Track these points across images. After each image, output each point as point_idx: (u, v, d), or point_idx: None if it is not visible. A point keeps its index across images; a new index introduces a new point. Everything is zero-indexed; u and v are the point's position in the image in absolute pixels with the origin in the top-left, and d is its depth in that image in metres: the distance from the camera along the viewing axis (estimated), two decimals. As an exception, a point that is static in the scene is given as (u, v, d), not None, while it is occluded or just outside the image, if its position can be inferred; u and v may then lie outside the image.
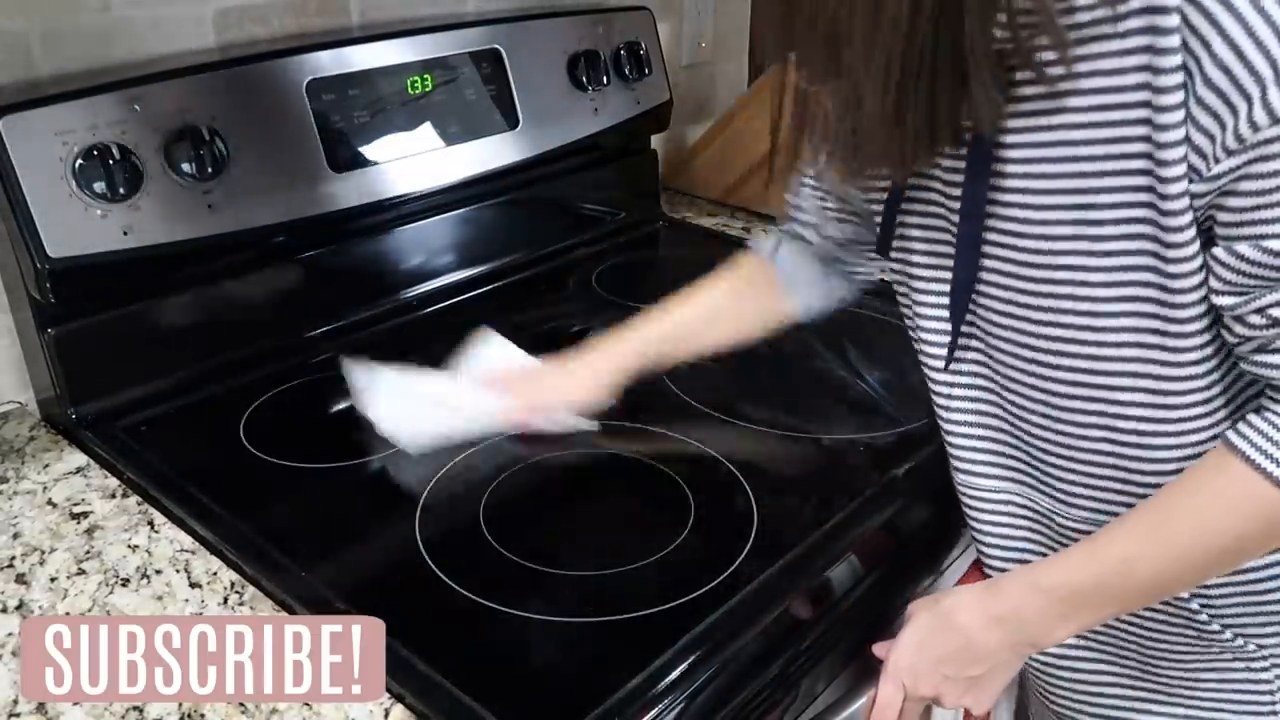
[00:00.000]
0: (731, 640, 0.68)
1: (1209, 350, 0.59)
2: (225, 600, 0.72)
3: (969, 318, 0.67)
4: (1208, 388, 0.61)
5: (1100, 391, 0.62)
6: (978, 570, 0.80)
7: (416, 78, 1.08)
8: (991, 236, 0.62)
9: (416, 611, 0.71)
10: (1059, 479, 0.68)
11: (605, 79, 1.25)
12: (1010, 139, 0.59)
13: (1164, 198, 0.54)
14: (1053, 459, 0.68)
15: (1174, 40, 0.51)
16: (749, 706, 0.69)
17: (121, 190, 0.86)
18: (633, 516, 0.83)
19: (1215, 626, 0.67)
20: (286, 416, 0.96)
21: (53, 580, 0.74)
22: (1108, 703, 0.75)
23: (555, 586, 0.73)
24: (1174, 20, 0.51)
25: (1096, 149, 0.56)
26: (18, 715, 0.63)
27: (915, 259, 0.70)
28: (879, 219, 0.72)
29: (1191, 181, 0.53)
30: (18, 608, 0.71)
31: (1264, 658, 0.68)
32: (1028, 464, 0.70)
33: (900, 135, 0.57)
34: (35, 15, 0.89)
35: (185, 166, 0.90)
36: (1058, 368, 0.63)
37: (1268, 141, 0.51)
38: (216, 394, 0.98)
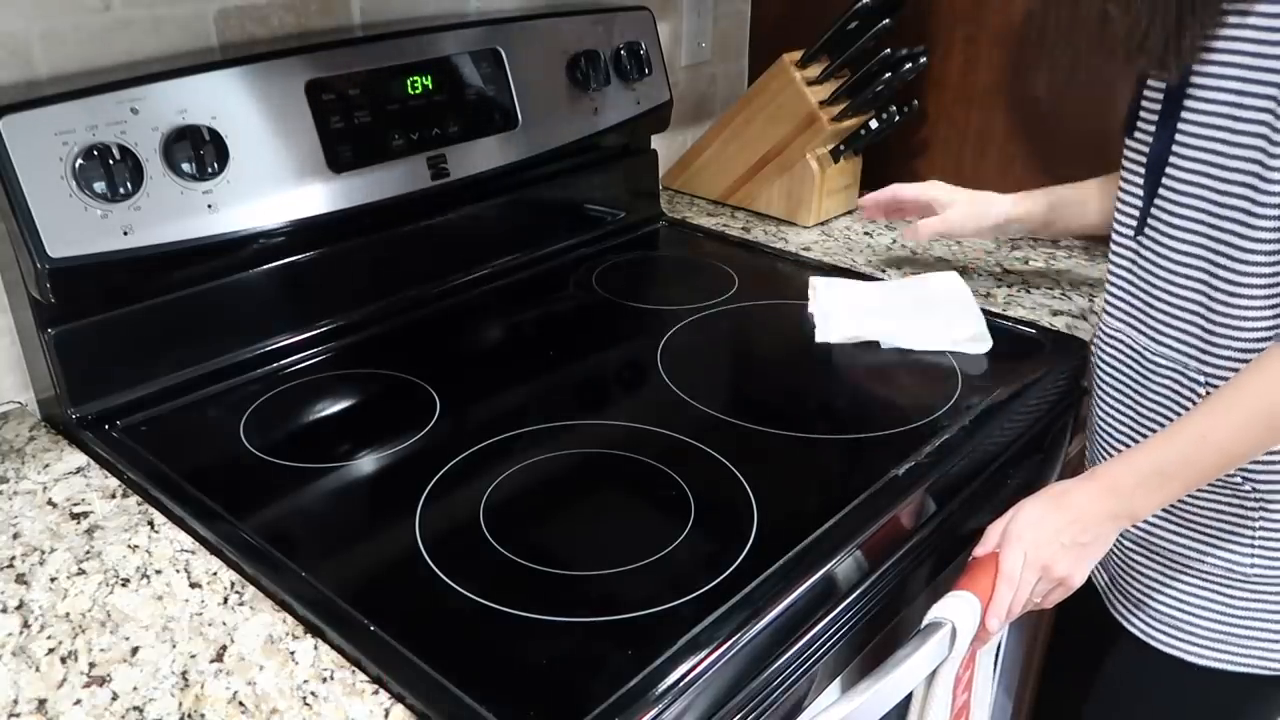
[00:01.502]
0: (731, 640, 0.68)
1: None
2: (225, 600, 0.72)
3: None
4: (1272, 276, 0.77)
5: (1210, 241, 0.80)
6: (978, 570, 0.80)
7: (416, 78, 1.08)
8: (1185, 115, 0.79)
9: (416, 611, 0.71)
10: (1155, 314, 0.86)
11: (605, 79, 1.25)
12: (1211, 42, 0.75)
13: None
14: (1158, 298, 0.85)
15: None
16: (749, 706, 0.69)
17: (121, 190, 0.86)
18: (633, 516, 0.83)
19: (1233, 473, 0.83)
20: (286, 416, 0.96)
21: (53, 580, 0.74)
22: (1160, 534, 0.91)
23: (555, 586, 0.73)
24: None
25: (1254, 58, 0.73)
26: (18, 715, 0.63)
27: (1131, 145, 0.87)
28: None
29: None
30: (18, 608, 0.71)
31: (1252, 494, 0.84)
32: (1140, 303, 0.88)
33: (1173, 36, 0.75)
34: (35, 15, 0.89)
35: (185, 166, 0.90)
36: (1191, 224, 0.81)
37: None
38: (216, 394, 0.98)
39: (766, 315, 1.18)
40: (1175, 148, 0.81)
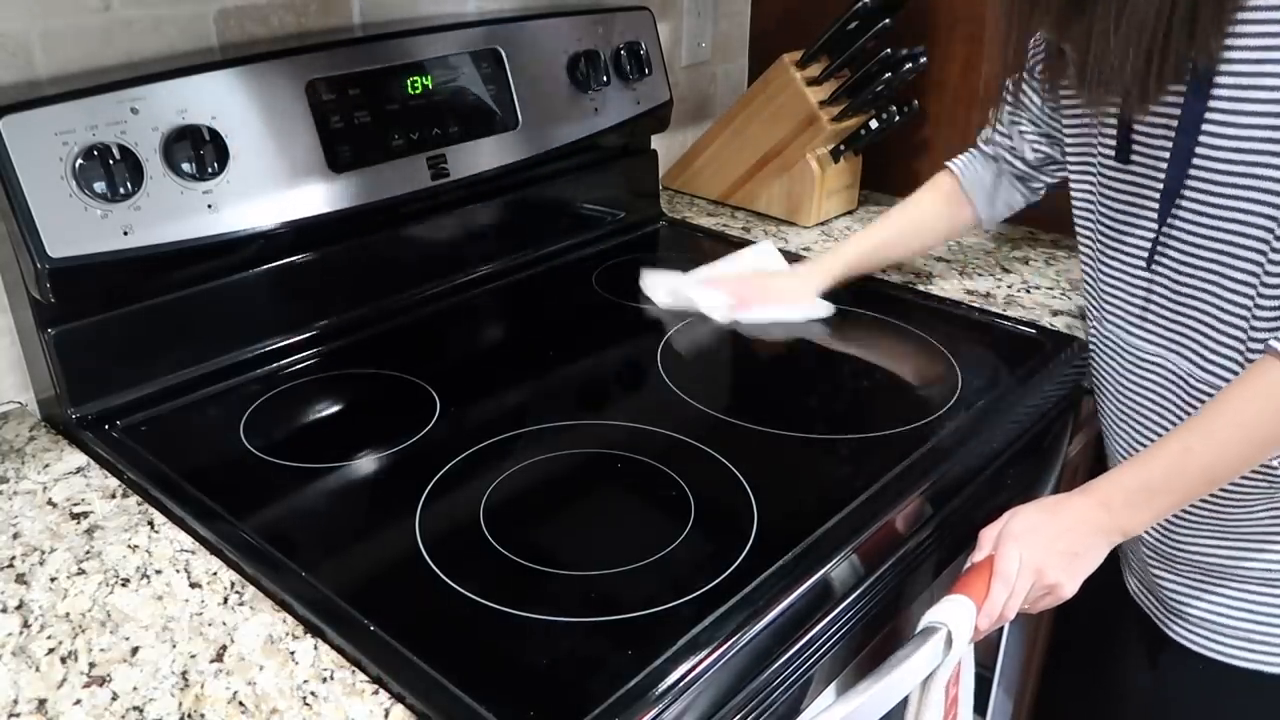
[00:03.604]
0: (731, 640, 0.68)
1: None
2: (225, 600, 0.72)
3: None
4: None
5: (1239, 267, 0.79)
6: (973, 575, 0.79)
7: (416, 78, 1.08)
8: (1200, 149, 0.77)
9: (416, 611, 0.71)
10: (1198, 340, 0.84)
11: (605, 79, 1.25)
12: (1223, 67, 0.74)
13: None
14: (1196, 324, 0.84)
15: None
16: (749, 706, 0.69)
17: (121, 190, 0.86)
18: (633, 516, 0.83)
19: (1271, 483, 0.83)
20: (286, 416, 0.96)
21: (53, 580, 0.74)
22: (1178, 540, 0.92)
23: (555, 586, 0.73)
24: None
25: None
26: (18, 715, 0.63)
27: (1134, 168, 0.85)
28: (1106, 134, 0.87)
29: None
30: (18, 608, 0.71)
31: None
32: (1173, 328, 0.86)
33: (1141, 75, 0.74)
34: (35, 15, 0.89)
35: (185, 166, 0.90)
36: (1216, 253, 0.80)
37: None
38: (216, 394, 0.98)
39: (766, 315, 1.18)
40: (1190, 181, 0.80)
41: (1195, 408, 0.86)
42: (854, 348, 1.12)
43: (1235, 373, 0.82)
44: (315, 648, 0.68)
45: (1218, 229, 0.80)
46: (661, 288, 1.18)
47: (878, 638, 0.82)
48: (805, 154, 1.40)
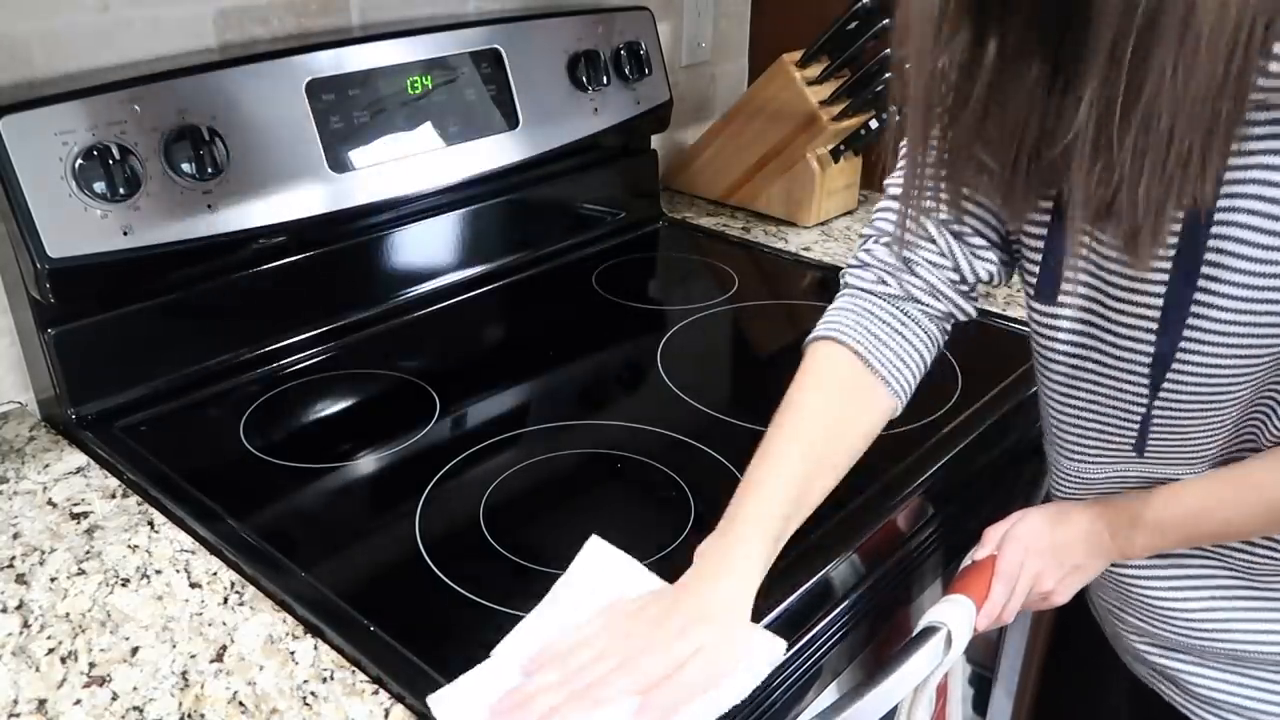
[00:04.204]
0: (731, 640, 0.68)
1: None
2: (225, 600, 0.72)
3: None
4: None
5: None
6: (973, 575, 0.79)
7: (416, 78, 1.08)
8: (1194, 309, 0.61)
9: (416, 611, 0.71)
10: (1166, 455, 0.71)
11: (605, 79, 1.25)
12: (1233, 175, 0.57)
13: None
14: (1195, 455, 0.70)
15: None
16: (749, 706, 0.69)
17: (121, 190, 0.86)
18: (633, 516, 0.83)
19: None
20: (286, 416, 0.96)
21: (53, 580, 0.74)
22: (1204, 630, 0.79)
23: (555, 586, 0.73)
24: None
25: None
26: (18, 715, 0.63)
27: (1111, 305, 0.66)
28: (1033, 265, 0.69)
29: None
30: (18, 608, 0.71)
31: None
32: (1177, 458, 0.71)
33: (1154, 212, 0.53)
34: (35, 15, 0.89)
35: (185, 166, 0.90)
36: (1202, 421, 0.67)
37: None
38: (216, 394, 0.98)
39: (766, 315, 1.18)
40: (1183, 346, 0.63)
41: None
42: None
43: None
44: (315, 648, 0.68)
45: (1218, 405, 0.65)
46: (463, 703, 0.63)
47: (878, 637, 0.82)
48: (805, 154, 1.40)
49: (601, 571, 0.71)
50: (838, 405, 0.76)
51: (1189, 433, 0.68)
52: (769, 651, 0.65)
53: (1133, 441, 0.71)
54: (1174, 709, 0.86)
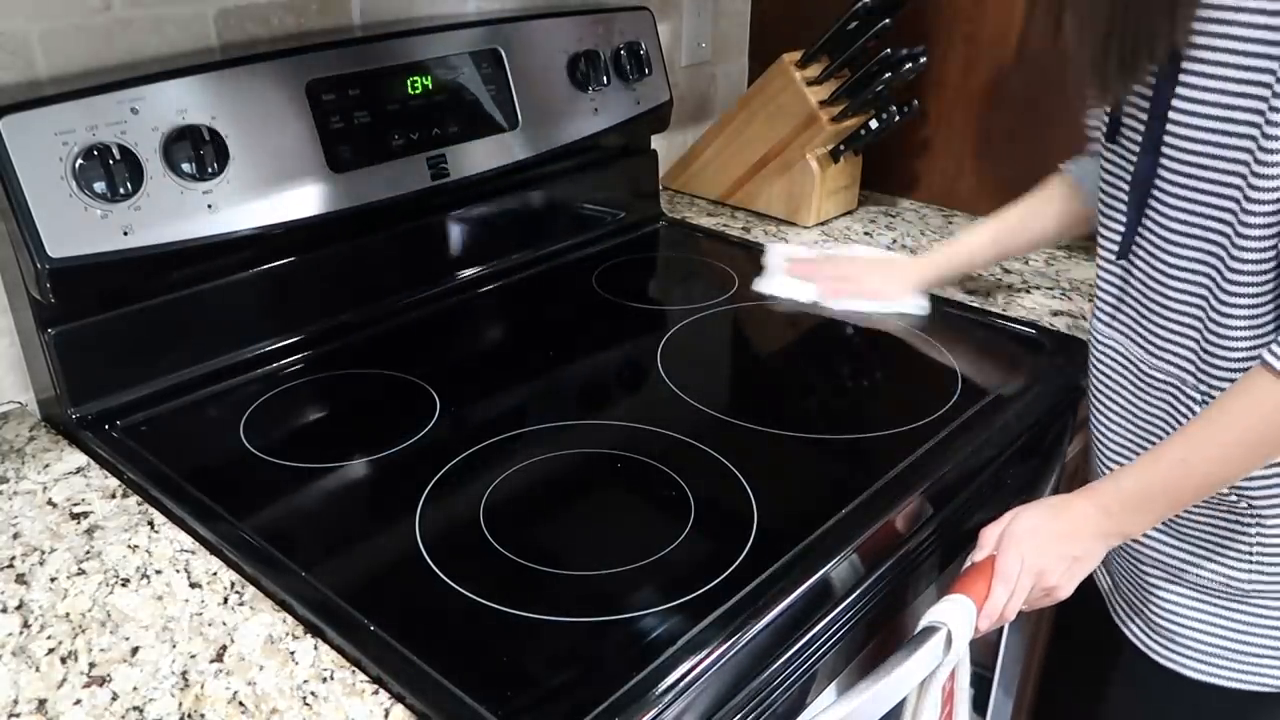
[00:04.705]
0: (731, 640, 0.68)
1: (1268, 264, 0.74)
2: (225, 600, 0.72)
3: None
4: (1262, 291, 0.75)
5: (1200, 259, 0.78)
6: (974, 574, 0.79)
7: (416, 78, 1.08)
8: (1168, 139, 0.76)
9: (416, 611, 0.71)
10: (1153, 329, 0.84)
11: (605, 79, 1.25)
12: (1191, 53, 0.72)
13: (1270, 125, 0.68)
14: (1155, 313, 0.83)
15: None
16: (749, 707, 0.69)
17: (121, 190, 0.86)
18: (633, 516, 0.83)
19: (1226, 490, 0.82)
20: (286, 416, 0.96)
21: (53, 580, 0.74)
22: (1153, 544, 0.90)
23: (555, 586, 0.73)
24: None
25: (1233, 71, 0.70)
26: (18, 715, 0.63)
27: (1118, 153, 0.84)
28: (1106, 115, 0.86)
29: None
30: (18, 608, 0.71)
31: (1250, 512, 0.83)
32: (1135, 317, 0.86)
33: (1099, 66, 0.75)
34: (35, 15, 0.89)
35: (185, 166, 0.90)
36: (1182, 244, 0.79)
37: None
38: (216, 394, 0.98)
39: (766, 315, 1.18)
40: (1160, 170, 0.79)
41: (1147, 394, 0.86)
42: (854, 348, 1.12)
43: (1189, 365, 0.82)
44: (315, 648, 0.68)
45: (1185, 222, 0.78)
46: (777, 271, 1.23)
47: (878, 637, 0.82)
48: (805, 154, 1.40)
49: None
50: (1034, 203, 1.08)
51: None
52: (917, 306, 1.16)
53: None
54: (1171, 690, 0.89)
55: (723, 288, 1.22)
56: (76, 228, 0.85)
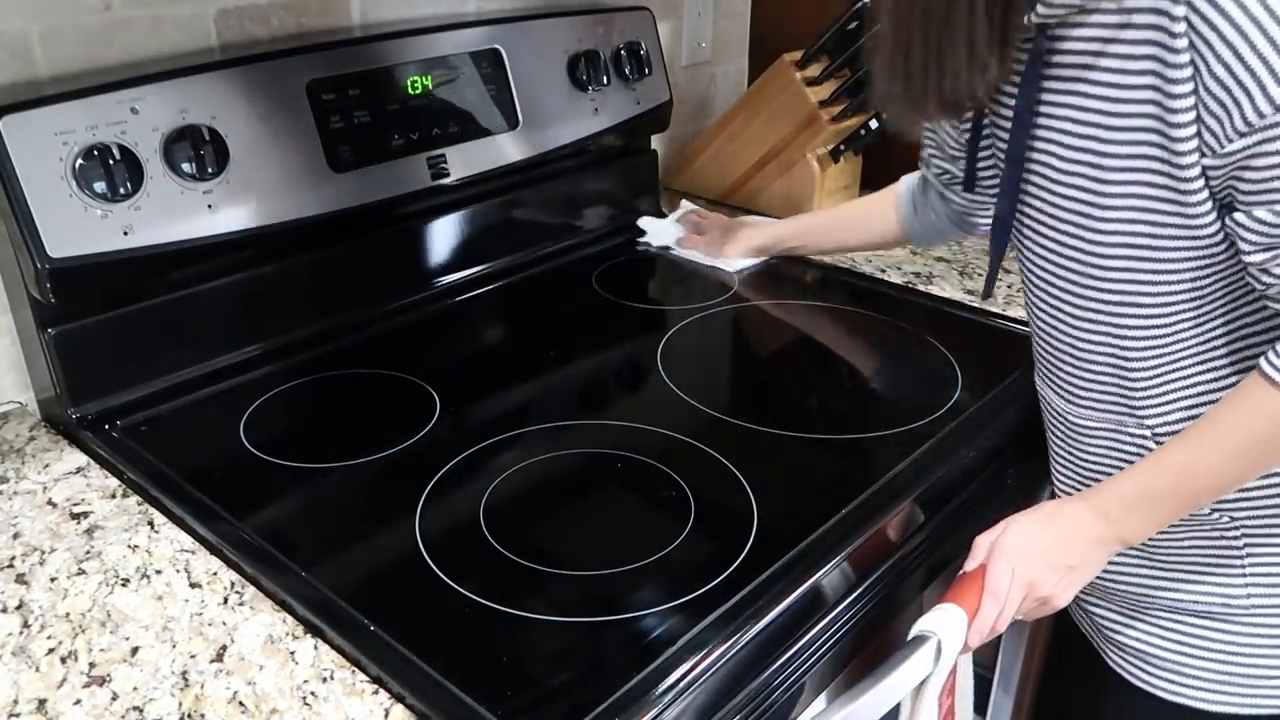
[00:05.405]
0: (731, 640, 0.68)
1: (1188, 292, 0.73)
2: (225, 600, 0.72)
3: (1012, 251, 0.84)
4: (1183, 323, 0.75)
5: (1105, 310, 0.77)
6: (965, 584, 0.79)
7: (416, 78, 1.08)
8: (1030, 179, 0.77)
9: (416, 611, 0.71)
10: (1069, 381, 0.83)
11: (605, 79, 1.25)
12: (1046, 97, 0.73)
13: (1178, 167, 0.67)
14: (1066, 365, 0.83)
15: (1182, 42, 0.63)
16: (749, 706, 0.69)
17: (121, 190, 0.86)
18: (633, 516, 0.83)
19: (1206, 509, 0.80)
20: (286, 416, 0.96)
21: (53, 580, 0.74)
22: (1105, 573, 0.88)
23: (555, 586, 0.73)
24: (1181, 26, 0.63)
25: (1110, 118, 0.70)
26: (18, 715, 0.63)
27: (977, 199, 0.89)
28: (963, 160, 0.88)
29: (1204, 155, 0.66)
30: (18, 608, 0.71)
31: (1235, 527, 0.81)
32: (1055, 366, 0.85)
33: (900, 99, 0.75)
34: (35, 15, 0.89)
35: (185, 166, 0.90)
36: (1072, 292, 0.78)
37: (1272, 125, 0.62)
38: (216, 394, 0.98)
39: (766, 315, 1.18)
40: (1019, 214, 0.80)
41: (1086, 444, 0.85)
42: (854, 348, 1.12)
43: (1117, 413, 0.81)
44: (315, 648, 0.68)
45: (1048, 270, 0.79)
46: (670, 220, 1.37)
47: (868, 647, 0.82)
48: (805, 154, 1.40)
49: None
50: (864, 208, 1.16)
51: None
52: (730, 266, 1.27)
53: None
54: (1166, 700, 0.87)
55: (723, 288, 1.22)
56: (76, 228, 0.85)
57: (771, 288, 1.25)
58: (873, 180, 1.53)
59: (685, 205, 1.41)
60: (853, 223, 1.16)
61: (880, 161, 1.51)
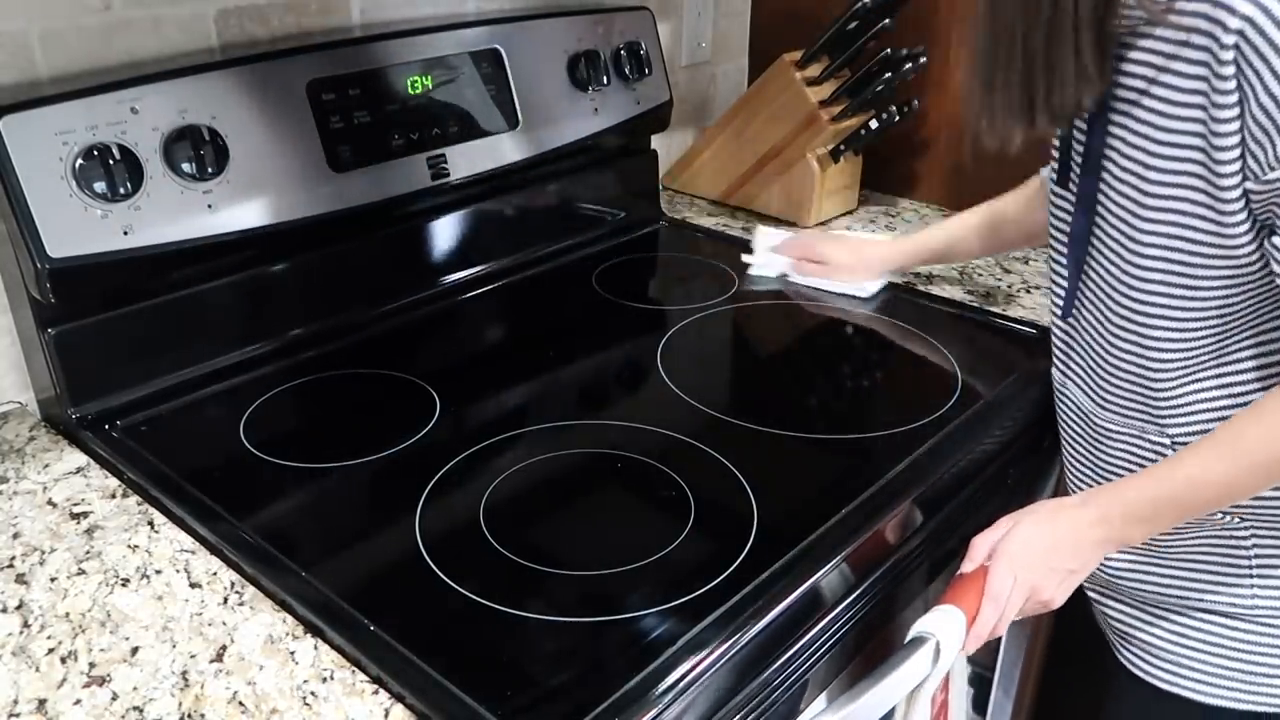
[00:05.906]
0: (731, 640, 0.68)
1: (1218, 307, 0.74)
2: (225, 600, 0.72)
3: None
4: (1209, 337, 0.76)
5: (1135, 320, 0.78)
6: (965, 585, 0.79)
7: (416, 78, 1.08)
8: (1104, 192, 0.77)
9: (416, 611, 0.71)
10: (1096, 382, 0.84)
11: (605, 79, 1.25)
12: (1115, 117, 0.74)
13: (1219, 189, 0.68)
14: (1094, 368, 0.84)
15: (1229, 69, 0.64)
16: (749, 706, 0.69)
17: (121, 190, 0.86)
18: (633, 516, 0.83)
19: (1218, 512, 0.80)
20: (286, 416, 0.96)
21: (53, 580, 0.74)
22: (1114, 569, 0.90)
23: (555, 586, 0.73)
24: (1229, 54, 0.64)
25: (1160, 132, 0.71)
26: (18, 715, 0.63)
27: (1060, 204, 0.85)
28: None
29: (1246, 179, 0.67)
30: (18, 608, 0.71)
31: (1245, 527, 0.81)
32: (1084, 368, 0.86)
33: (986, 108, 0.76)
34: (35, 15, 0.89)
35: (185, 166, 0.90)
36: (1106, 299, 0.79)
37: None
38: (216, 394, 0.98)
39: (766, 315, 1.18)
40: (1095, 229, 0.79)
41: (1106, 444, 0.86)
42: (854, 348, 1.12)
43: (1140, 418, 0.82)
44: (315, 648, 0.68)
45: (1124, 284, 0.78)
46: (762, 249, 1.28)
47: (867, 647, 0.82)
48: (805, 154, 1.40)
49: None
50: (1010, 205, 1.08)
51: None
52: (864, 289, 1.20)
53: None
54: (1170, 714, 0.87)
55: (723, 288, 1.22)
56: (76, 227, 0.85)
57: (771, 288, 1.25)
58: (873, 180, 1.53)
59: (764, 230, 1.30)
60: (1008, 220, 1.08)
61: (880, 161, 1.51)
